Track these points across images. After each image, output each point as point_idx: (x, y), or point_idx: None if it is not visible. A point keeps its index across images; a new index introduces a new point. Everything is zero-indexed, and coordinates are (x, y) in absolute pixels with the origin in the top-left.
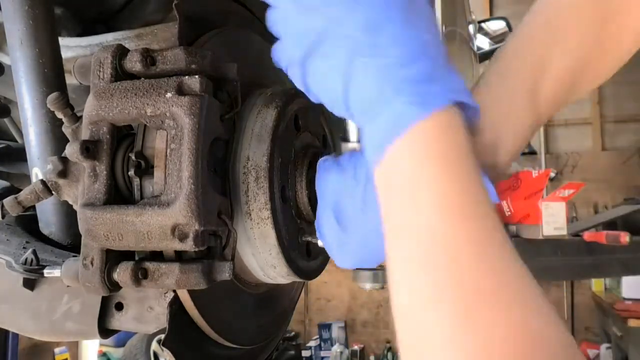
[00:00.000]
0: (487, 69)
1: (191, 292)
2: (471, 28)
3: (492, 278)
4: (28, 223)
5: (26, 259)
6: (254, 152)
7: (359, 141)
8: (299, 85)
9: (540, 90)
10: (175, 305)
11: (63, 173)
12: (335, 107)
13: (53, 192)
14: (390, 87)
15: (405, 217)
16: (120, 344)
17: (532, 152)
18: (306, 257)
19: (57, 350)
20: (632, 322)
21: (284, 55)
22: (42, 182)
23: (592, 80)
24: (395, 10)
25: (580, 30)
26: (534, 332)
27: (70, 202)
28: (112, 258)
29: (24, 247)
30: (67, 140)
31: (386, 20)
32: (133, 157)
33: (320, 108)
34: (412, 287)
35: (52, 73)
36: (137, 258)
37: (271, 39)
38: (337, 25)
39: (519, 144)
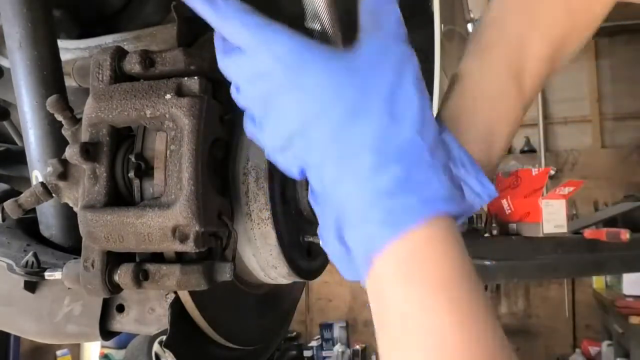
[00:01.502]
0: (468, 52)
1: (192, 294)
2: (470, 27)
3: None
4: (29, 226)
5: (27, 262)
6: (254, 153)
7: None
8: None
9: (524, 71)
10: (177, 307)
11: (63, 175)
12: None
13: (53, 195)
14: (361, 200)
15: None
16: (122, 345)
17: (532, 150)
18: (307, 257)
19: (58, 352)
20: (633, 319)
21: (262, 139)
22: (42, 184)
23: (569, 52)
24: (374, 102)
25: (552, 8)
26: None
27: (71, 205)
28: (113, 260)
29: (24, 250)
30: (67, 143)
31: (361, 114)
32: (133, 159)
33: None
34: None
35: (51, 75)
36: (137, 260)
37: None
38: (314, 118)
39: (511, 127)
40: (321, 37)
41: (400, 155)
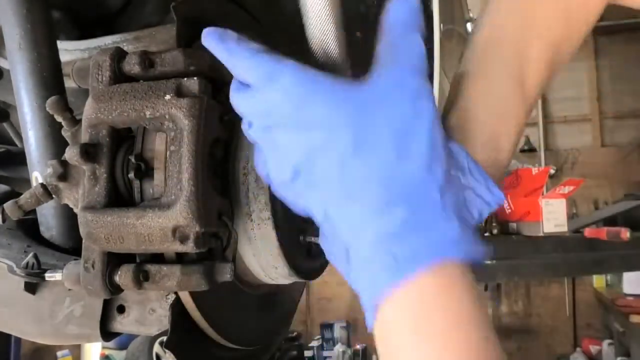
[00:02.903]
0: (467, 59)
1: (193, 294)
2: (469, 26)
3: None
4: (29, 227)
5: (27, 263)
6: (254, 153)
7: None
8: (293, 206)
9: (526, 76)
10: (177, 307)
11: (63, 176)
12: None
13: (53, 196)
14: (365, 242)
15: None
16: (123, 346)
17: (532, 149)
18: (307, 257)
19: (59, 353)
20: (634, 318)
21: (272, 172)
22: (43, 185)
23: (568, 53)
24: (381, 136)
25: (549, 9)
26: None
27: (71, 206)
28: (114, 261)
29: (25, 251)
30: (67, 144)
31: (367, 149)
32: (133, 160)
33: None
34: None
35: (51, 76)
36: (138, 260)
37: (269, 39)
38: (318, 152)
39: (517, 133)
40: (331, 69)
41: (407, 195)
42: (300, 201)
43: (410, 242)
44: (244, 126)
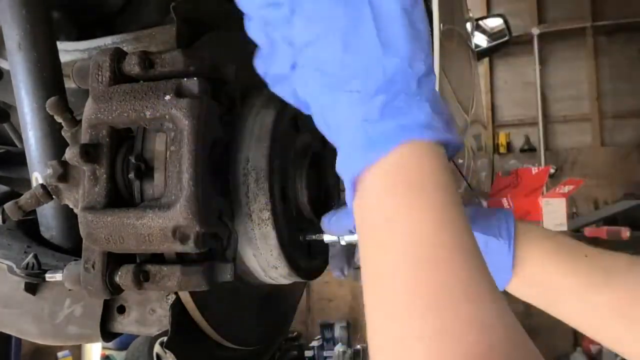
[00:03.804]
0: None
1: (193, 294)
2: (469, 26)
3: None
4: (29, 227)
5: (27, 264)
6: (254, 153)
7: None
8: (289, 98)
9: None
10: (178, 308)
11: (63, 177)
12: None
13: (53, 196)
14: (349, 127)
15: (379, 256)
16: (123, 346)
17: (532, 149)
18: (307, 257)
19: (59, 354)
20: None
21: (271, 67)
22: (43, 186)
23: None
24: (367, 31)
25: None
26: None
27: (71, 206)
28: (114, 261)
29: (25, 252)
30: (67, 144)
31: (354, 44)
32: (133, 160)
33: None
34: (389, 301)
35: (50, 77)
36: (138, 261)
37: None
38: (310, 46)
39: None
40: None
41: (388, 84)
42: (296, 93)
43: (384, 125)
44: (245, 22)
